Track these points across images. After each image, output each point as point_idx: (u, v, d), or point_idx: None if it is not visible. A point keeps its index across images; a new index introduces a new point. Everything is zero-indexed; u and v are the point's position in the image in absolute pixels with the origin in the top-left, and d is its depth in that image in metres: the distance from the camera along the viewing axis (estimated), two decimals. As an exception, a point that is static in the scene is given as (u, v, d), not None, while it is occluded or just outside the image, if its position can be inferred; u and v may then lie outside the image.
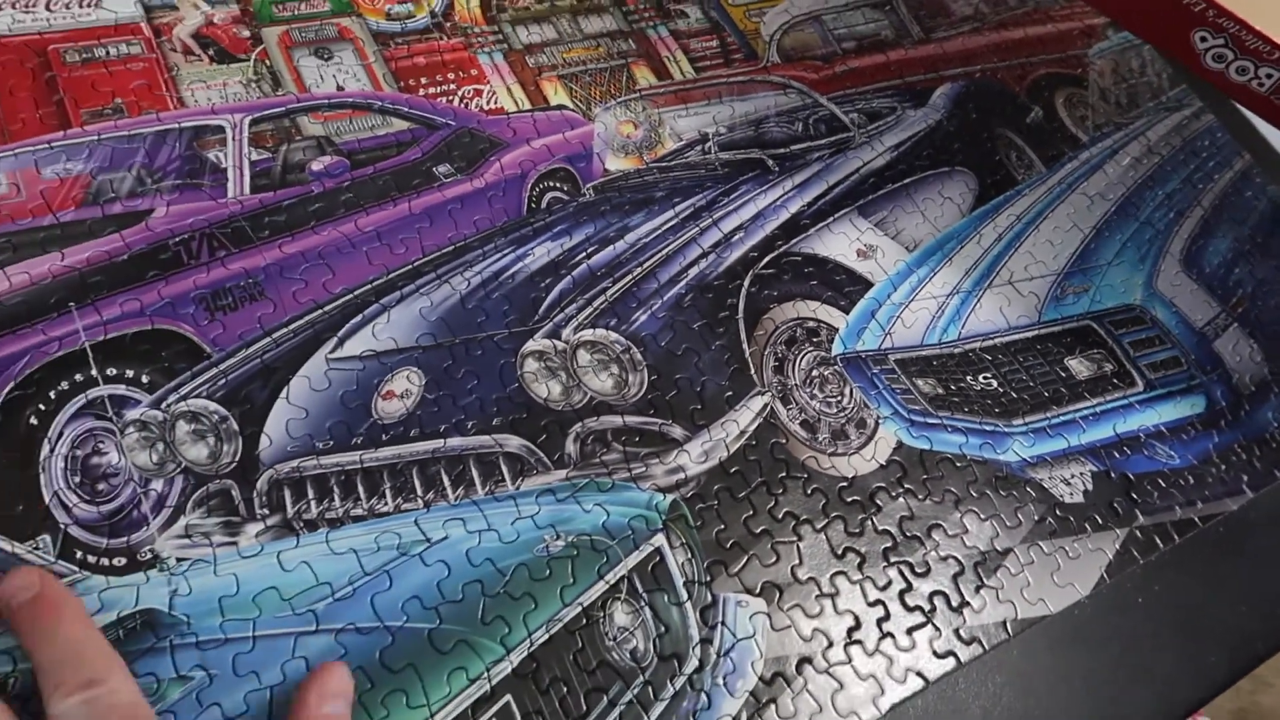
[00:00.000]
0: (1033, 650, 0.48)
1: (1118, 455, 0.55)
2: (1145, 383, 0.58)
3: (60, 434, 0.42)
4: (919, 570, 0.49)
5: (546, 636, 0.42)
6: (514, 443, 0.47)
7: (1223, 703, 1.25)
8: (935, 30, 0.73)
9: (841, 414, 0.53)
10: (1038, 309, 0.60)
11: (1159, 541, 0.53)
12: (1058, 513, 0.52)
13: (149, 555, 0.40)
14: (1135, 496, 0.54)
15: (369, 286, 0.49)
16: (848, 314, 0.57)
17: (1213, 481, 0.55)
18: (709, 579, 0.46)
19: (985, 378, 0.57)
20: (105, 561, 0.40)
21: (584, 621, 0.43)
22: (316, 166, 0.52)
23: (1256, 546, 0.54)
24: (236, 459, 0.43)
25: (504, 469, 0.46)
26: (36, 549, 0.39)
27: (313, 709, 0.37)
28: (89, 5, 0.53)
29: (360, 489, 0.44)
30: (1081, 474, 0.54)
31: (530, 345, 0.50)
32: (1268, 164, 0.70)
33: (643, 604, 0.44)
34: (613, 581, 0.44)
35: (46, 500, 0.40)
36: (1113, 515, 0.53)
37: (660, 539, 0.46)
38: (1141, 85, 0.75)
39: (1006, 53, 0.73)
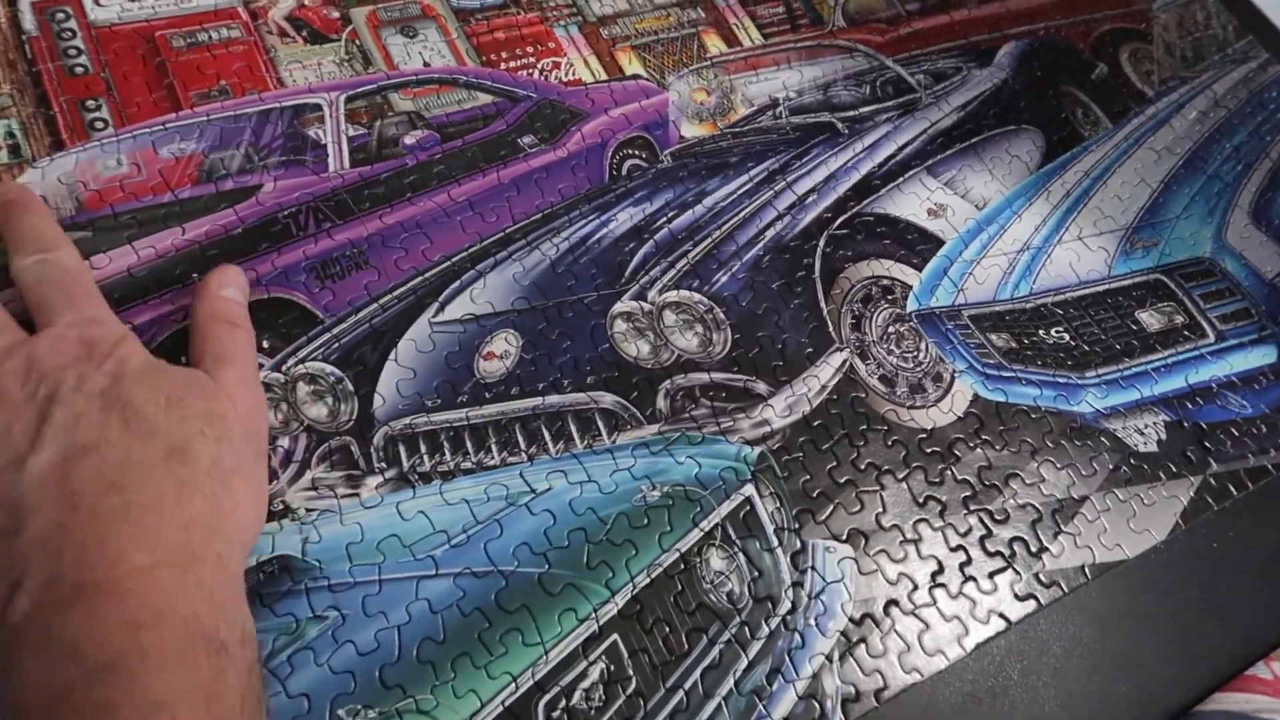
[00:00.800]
0: (1111, 593, 0.50)
1: (1190, 405, 0.56)
2: (1216, 334, 0.59)
3: (193, 396, 0.45)
4: (998, 517, 0.51)
5: (648, 580, 0.44)
6: (608, 399, 0.49)
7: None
8: (998, -11, 0.73)
9: (918, 368, 0.54)
10: (1107, 263, 0.61)
11: (1233, 489, 0.54)
12: (1132, 461, 0.54)
13: (280, 506, 0.43)
14: (1208, 445, 0.55)
15: (465, 254, 0.52)
16: (921, 271, 0.58)
17: (1285, 429, 0.56)
18: (798, 526, 0.48)
19: (1057, 331, 0.58)
20: (242, 512, 0.43)
21: (682, 566, 0.45)
22: (409, 140, 0.54)
23: (1330, 492, 0.55)
24: (354, 417, 0.46)
25: (600, 424, 0.48)
26: (180, 501, 0.42)
27: (213, 290, 0.44)
28: (190, -9, 0.56)
29: (468, 443, 0.47)
30: (1155, 424, 0.55)
31: (618, 307, 0.52)
32: (1338, 114, 0.70)
33: (736, 550, 0.46)
34: (707, 529, 0.46)
35: (185, 457, 0.43)
36: (1186, 463, 0.54)
37: (750, 489, 0.48)
38: (1207, 38, 0.75)
39: (1070, 9, 0.73)
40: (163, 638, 0.32)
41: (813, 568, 0.47)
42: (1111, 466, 0.54)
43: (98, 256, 0.47)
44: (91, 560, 0.33)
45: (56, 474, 0.34)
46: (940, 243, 0.59)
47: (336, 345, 0.47)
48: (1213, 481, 0.54)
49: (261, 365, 0.46)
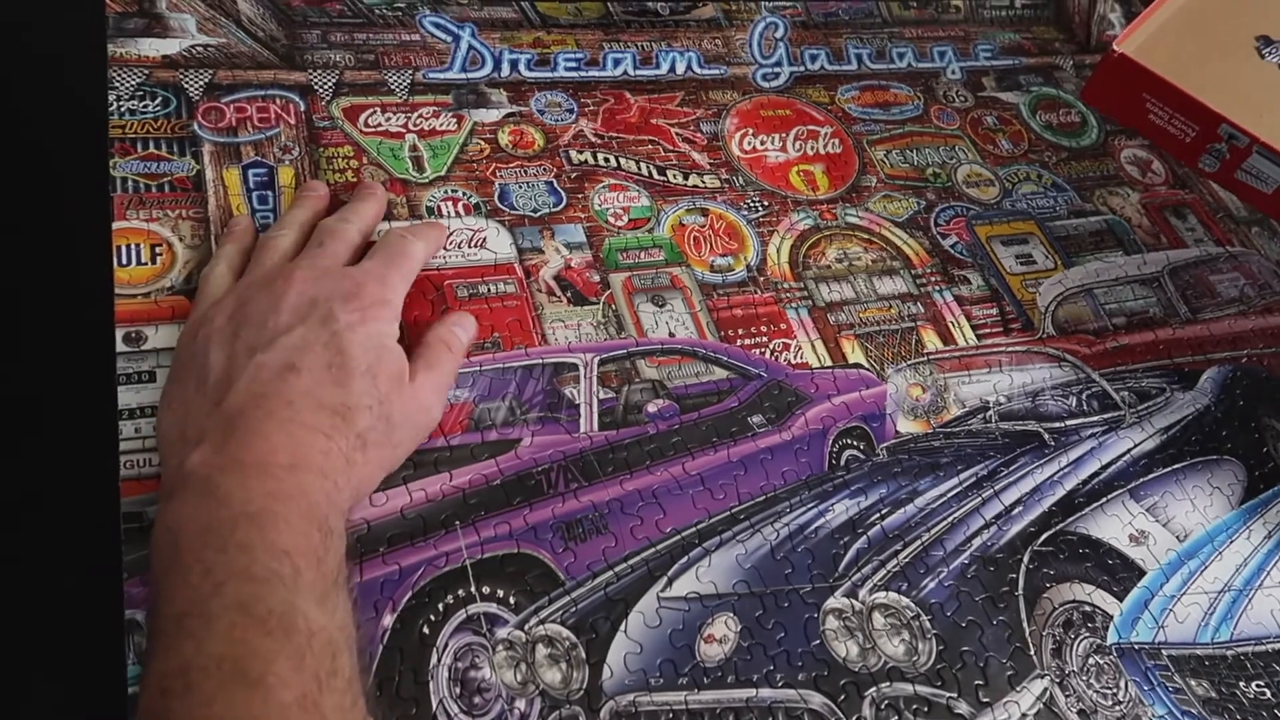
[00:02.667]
0: None
1: (1397, 788, 0.55)
2: None
3: (445, 645, 0.48)
4: None
5: None
6: (817, 700, 0.51)
7: None
8: (1202, 310, 0.76)
9: (1117, 707, 0.55)
10: (1310, 616, 0.60)
11: None
12: (1336, 844, 0.52)
13: (513, 773, 0.46)
14: None
15: (694, 529, 0.55)
16: (1121, 601, 0.59)
17: None
18: None
19: (1258, 686, 0.57)
20: (479, 772, 0.45)
21: None
22: (651, 409, 0.59)
23: None
24: (584, 686, 0.49)
25: (808, 726, 0.50)
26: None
27: (449, 322, 0.56)
28: (475, 245, 0.63)
29: (685, 730, 0.48)
30: (1359, 804, 0.54)
31: (831, 603, 0.54)
32: None
33: None
34: None
35: (434, 707, 0.46)
36: None
37: (949, 819, 0.48)
38: None
39: (1272, 339, 0.75)
40: (291, 510, 0.42)
41: None
42: (1314, 847, 0.52)
43: (377, 495, 0.51)
44: (254, 446, 0.43)
45: (269, 371, 0.46)
46: (1141, 572, 0.60)
47: (574, 609, 0.51)
48: None
49: (506, 622, 0.50)
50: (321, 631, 0.39)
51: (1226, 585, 0.61)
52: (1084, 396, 0.68)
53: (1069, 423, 0.66)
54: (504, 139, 0.69)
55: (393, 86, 0.69)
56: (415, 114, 0.68)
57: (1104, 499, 0.63)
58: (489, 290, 0.61)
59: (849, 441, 0.61)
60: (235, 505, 0.41)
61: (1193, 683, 0.56)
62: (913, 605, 0.55)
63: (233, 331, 0.48)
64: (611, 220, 0.67)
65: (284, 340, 0.47)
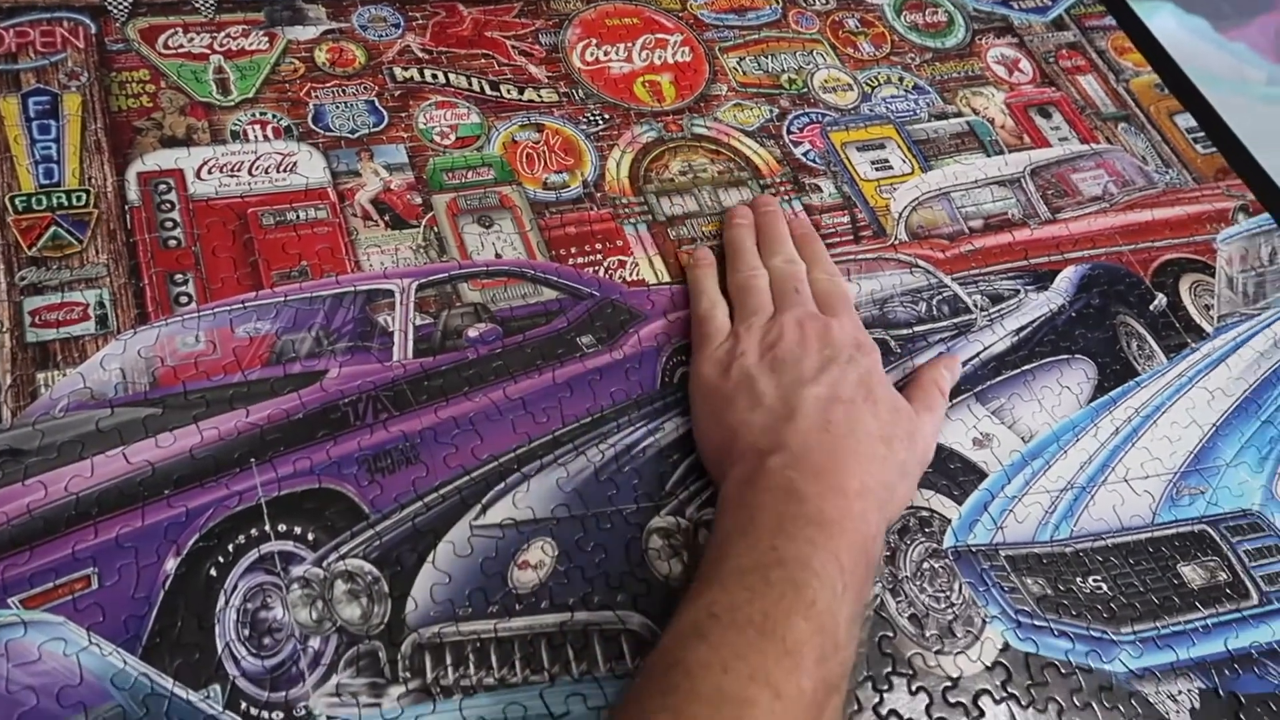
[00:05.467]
0: None
1: (1227, 673, 0.55)
2: (1260, 595, 0.58)
3: (234, 587, 0.46)
4: (1019, 782, 0.50)
5: (657, 822, 0.44)
6: (635, 620, 0.50)
7: None
8: (1062, 210, 0.74)
9: (950, 610, 0.54)
10: (1152, 509, 0.60)
11: (1267, 770, 0.52)
12: (1163, 731, 0.53)
13: (303, 711, 0.44)
14: (1244, 719, 0.54)
15: (512, 455, 0.53)
16: (961, 505, 0.58)
17: (1328, 709, 0.55)
18: (812, 775, 0.47)
19: (1095, 580, 0.57)
20: (265, 715, 0.44)
21: (692, 810, 0.45)
22: (473, 333, 0.56)
23: (1371, 784, 0.53)
24: (385, 621, 0.47)
25: (625, 646, 0.49)
26: (208, 698, 0.43)
27: (941, 365, 0.61)
28: (285, 170, 0.59)
29: (493, 658, 0.47)
30: (1189, 691, 0.54)
31: (655, 522, 0.53)
32: (1400, 373, 0.69)
33: (748, 796, 0.46)
34: (721, 770, 0.46)
35: (219, 651, 0.45)
36: (1220, 738, 0.53)
37: None
38: (1271, 274, 0.75)
39: (1133, 235, 0.74)
40: (852, 533, 0.47)
41: (823, 823, 0.46)
42: (1141, 735, 0.52)
43: (163, 435, 0.49)
44: (828, 464, 0.49)
45: (823, 403, 0.51)
46: (983, 475, 0.59)
47: (378, 543, 0.49)
48: (1246, 762, 0.52)
49: (303, 559, 0.48)
50: (846, 648, 0.44)
51: (1070, 483, 0.61)
52: (934, 302, 0.67)
53: (917, 329, 0.65)
54: (321, 57, 0.65)
55: (197, 5, 0.65)
56: (222, 34, 0.64)
57: (949, 405, 0.62)
58: (297, 217, 0.58)
59: (684, 359, 0.59)
60: (810, 508, 0.46)
61: (1029, 581, 0.56)
62: (742, 520, 0.54)
63: (770, 367, 0.54)
64: (438, 139, 0.64)
65: (824, 377, 0.53)
